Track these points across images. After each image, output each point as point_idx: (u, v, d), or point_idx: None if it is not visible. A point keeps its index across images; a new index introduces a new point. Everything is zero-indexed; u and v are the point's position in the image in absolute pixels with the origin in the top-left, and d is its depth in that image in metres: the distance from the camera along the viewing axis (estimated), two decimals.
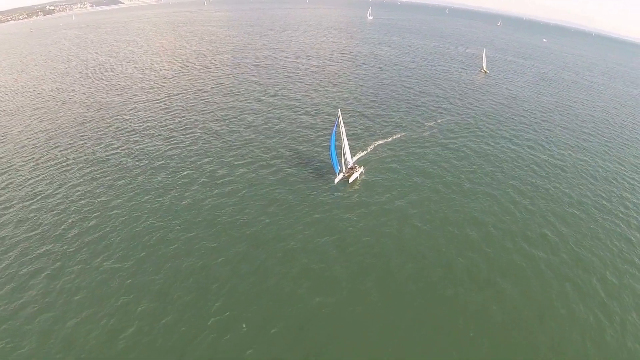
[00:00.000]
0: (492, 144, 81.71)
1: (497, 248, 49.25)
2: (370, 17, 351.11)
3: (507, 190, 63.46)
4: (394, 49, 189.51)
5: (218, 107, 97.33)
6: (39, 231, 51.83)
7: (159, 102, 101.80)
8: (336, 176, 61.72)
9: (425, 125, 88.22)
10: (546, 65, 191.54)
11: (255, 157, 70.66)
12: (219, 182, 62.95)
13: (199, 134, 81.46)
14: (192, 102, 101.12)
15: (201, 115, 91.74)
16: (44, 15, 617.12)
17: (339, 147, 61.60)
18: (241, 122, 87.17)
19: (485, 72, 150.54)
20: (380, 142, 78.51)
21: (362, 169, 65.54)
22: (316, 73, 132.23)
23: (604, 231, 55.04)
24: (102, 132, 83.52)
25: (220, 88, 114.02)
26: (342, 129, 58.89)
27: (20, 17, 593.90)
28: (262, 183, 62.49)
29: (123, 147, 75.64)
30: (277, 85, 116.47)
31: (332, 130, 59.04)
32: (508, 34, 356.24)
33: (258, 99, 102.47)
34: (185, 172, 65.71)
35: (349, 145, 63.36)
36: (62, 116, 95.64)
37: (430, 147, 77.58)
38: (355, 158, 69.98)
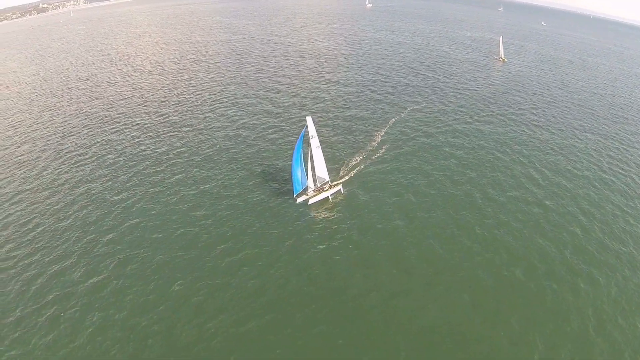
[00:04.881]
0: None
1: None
2: (369, 5, 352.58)
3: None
4: (401, 35, 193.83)
5: (250, 85, 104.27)
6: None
7: (193, 80, 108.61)
8: (301, 195, 53.42)
9: (448, 115, 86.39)
10: (558, 50, 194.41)
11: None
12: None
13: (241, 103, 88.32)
14: (236, 80, 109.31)
15: (243, 88, 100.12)
16: (38, 14, 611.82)
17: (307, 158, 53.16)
18: (261, 101, 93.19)
19: (504, 60, 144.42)
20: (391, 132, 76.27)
21: (339, 187, 56.13)
22: (328, 55, 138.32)
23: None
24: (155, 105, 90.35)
25: (246, 68, 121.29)
26: (313, 141, 51.48)
27: (14, 16, 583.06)
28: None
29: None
30: (293, 66, 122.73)
31: (298, 141, 50.34)
32: (511, 19, 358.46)
33: (275, 81, 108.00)
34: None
35: (324, 157, 54.67)
36: (107, 95, 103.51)
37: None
38: (364, 148, 67.44)
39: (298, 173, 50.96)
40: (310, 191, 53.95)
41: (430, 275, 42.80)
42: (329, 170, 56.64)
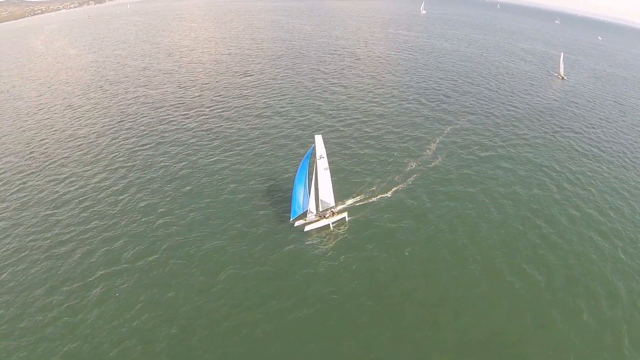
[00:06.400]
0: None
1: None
2: (424, 11, 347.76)
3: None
4: (456, 43, 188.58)
5: (301, 89, 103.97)
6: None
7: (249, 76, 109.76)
8: (299, 218, 48.92)
9: (499, 136, 79.34)
10: (614, 66, 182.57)
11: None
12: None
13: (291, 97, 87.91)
14: (287, 84, 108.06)
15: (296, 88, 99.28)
16: (95, 4, 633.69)
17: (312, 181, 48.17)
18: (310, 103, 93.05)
19: (563, 78, 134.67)
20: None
21: (343, 216, 50.40)
22: (382, 61, 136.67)
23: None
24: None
25: (300, 69, 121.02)
26: (320, 162, 46.77)
27: (72, 5, 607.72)
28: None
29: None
30: (346, 71, 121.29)
31: (303, 160, 46.61)
32: (567, 32, 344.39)
33: (324, 87, 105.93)
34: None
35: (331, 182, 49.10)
36: (161, 86, 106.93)
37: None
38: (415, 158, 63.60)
39: (300, 195, 46.67)
40: (310, 216, 49.19)
41: None
42: (340, 194, 52.78)
